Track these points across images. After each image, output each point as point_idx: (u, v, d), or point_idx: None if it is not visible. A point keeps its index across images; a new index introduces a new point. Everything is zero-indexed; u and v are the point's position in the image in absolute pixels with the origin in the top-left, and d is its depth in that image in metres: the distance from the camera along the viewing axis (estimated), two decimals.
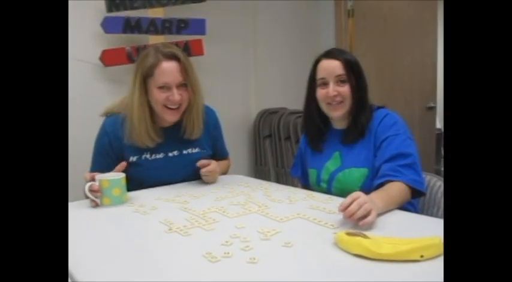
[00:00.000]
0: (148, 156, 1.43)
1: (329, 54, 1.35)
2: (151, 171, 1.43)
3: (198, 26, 2.28)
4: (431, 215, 1.34)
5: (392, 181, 1.17)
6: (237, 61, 2.72)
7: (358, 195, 0.98)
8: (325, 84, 1.33)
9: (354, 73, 1.32)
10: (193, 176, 1.48)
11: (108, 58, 2.14)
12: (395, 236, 0.83)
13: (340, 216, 1.05)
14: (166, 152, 1.46)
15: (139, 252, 0.87)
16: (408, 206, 1.25)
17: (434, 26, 3.36)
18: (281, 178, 2.63)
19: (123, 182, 1.24)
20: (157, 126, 1.42)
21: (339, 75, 1.31)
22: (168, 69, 1.32)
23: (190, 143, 1.49)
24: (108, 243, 0.92)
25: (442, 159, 4.18)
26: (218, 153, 1.60)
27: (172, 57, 1.34)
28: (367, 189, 1.22)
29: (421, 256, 0.76)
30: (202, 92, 1.45)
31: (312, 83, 1.38)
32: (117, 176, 1.24)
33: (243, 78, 2.77)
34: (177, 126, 1.45)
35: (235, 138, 2.76)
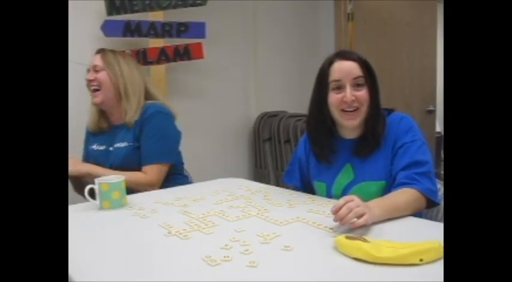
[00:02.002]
0: (94, 146, 1.63)
1: (343, 55, 1.22)
2: (93, 162, 1.58)
3: (198, 30, 2.28)
4: (431, 218, 1.34)
5: (407, 187, 1.11)
6: (236, 64, 2.73)
7: (352, 198, 0.95)
8: (340, 87, 1.19)
9: (371, 76, 1.20)
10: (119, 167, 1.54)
11: None
12: (394, 239, 0.83)
13: None
14: (107, 145, 1.60)
15: (138, 255, 0.87)
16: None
17: (433, 29, 3.37)
18: (281, 181, 2.63)
19: (123, 185, 1.23)
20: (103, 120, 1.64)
21: (357, 78, 1.18)
22: (94, 58, 1.61)
23: (121, 137, 1.58)
24: (107, 247, 0.92)
25: (442, 163, 4.18)
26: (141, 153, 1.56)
27: (99, 51, 1.62)
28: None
29: (421, 260, 0.76)
30: (126, 85, 1.57)
31: (322, 87, 1.24)
32: (116, 179, 1.23)
33: (242, 82, 2.78)
34: (119, 124, 1.60)
35: (235, 141, 2.76)
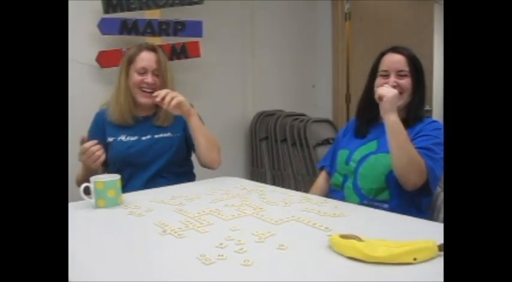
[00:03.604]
0: (123, 138, 1.58)
1: (395, 49, 1.42)
2: (124, 150, 1.57)
3: (195, 28, 2.28)
4: (427, 217, 1.34)
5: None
6: (234, 63, 2.73)
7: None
8: (386, 76, 1.40)
9: (416, 70, 1.39)
10: (165, 158, 1.59)
11: (105, 59, 2.14)
12: (389, 238, 0.83)
13: (335, 218, 1.06)
14: (140, 136, 1.59)
15: (133, 254, 0.86)
16: (419, 214, 1.28)
17: (430, 29, 3.37)
18: (277, 180, 2.64)
19: (118, 184, 1.23)
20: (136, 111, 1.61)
21: (401, 70, 1.38)
22: (147, 57, 1.56)
23: (163, 129, 1.61)
24: (102, 245, 0.92)
25: None
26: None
27: (152, 49, 1.59)
28: (394, 176, 1.30)
29: (414, 259, 0.76)
30: (175, 86, 1.60)
31: (373, 75, 1.46)
32: (112, 177, 1.23)
33: (240, 81, 2.78)
34: (152, 116, 1.62)
35: (232, 140, 2.76)
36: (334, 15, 3.03)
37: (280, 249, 0.86)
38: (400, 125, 1.27)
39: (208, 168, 1.60)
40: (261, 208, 1.15)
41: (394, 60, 1.39)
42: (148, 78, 1.55)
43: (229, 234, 0.94)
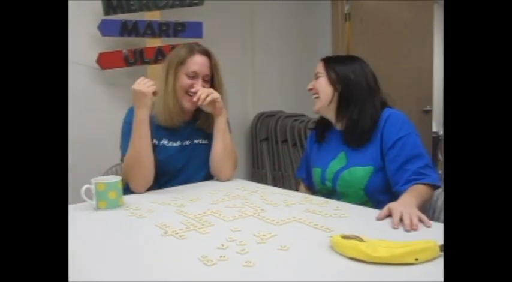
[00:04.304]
0: (166, 142, 1.50)
1: (323, 57, 1.45)
2: (166, 158, 1.48)
3: (195, 29, 2.28)
4: (427, 217, 1.34)
5: (419, 184, 1.22)
6: (234, 64, 2.73)
7: (394, 206, 1.03)
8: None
9: (334, 72, 1.38)
10: (203, 167, 1.55)
11: (105, 61, 2.14)
12: (390, 239, 0.83)
13: (336, 219, 1.06)
14: (182, 141, 1.53)
15: (134, 255, 0.86)
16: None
17: (430, 30, 3.38)
18: (278, 181, 2.63)
19: (119, 185, 1.23)
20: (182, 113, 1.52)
21: (316, 73, 1.42)
22: (200, 61, 1.48)
23: (202, 134, 1.57)
24: (104, 247, 0.92)
25: (439, 163, 4.19)
26: None
27: (205, 53, 1.50)
28: (373, 185, 1.31)
29: (416, 259, 0.76)
30: (226, 93, 1.56)
31: None
32: (113, 179, 1.23)
33: (240, 81, 2.78)
34: (194, 119, 1.56)
35: None
36: (334, 15, 3.03)
37: (281, 250, 0.86)
38: (417, 198, 1.16)
39: (217, 178, 1.56)
40: (262, 209, 1.15)
41: (318, 65, 1.43)
42: (198, 84, 1.47)
43: (230, 235, 0.94)
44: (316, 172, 1.46)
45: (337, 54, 1.49)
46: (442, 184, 1.25)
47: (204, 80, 1.49)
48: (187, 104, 1.48)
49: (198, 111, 1.54)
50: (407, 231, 0.94)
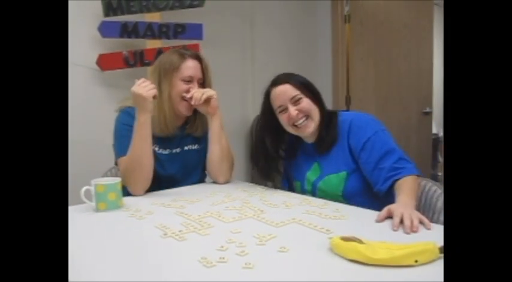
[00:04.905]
0: (156, 148, 1.49)
1: (277, 82, 1.39)
2: (155, 164, 1.44)
3: (195, 31, 2.28)
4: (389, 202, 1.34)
5: (399, 179, 1.23)
6: (234, 66, 2.73)
7: (394, 207, 1.03)
8: (284, 110, 1.37)
9: (307, 89, 1.37)
10: (193, 173, 1.56)
11: (105, 62, 2.14)
12: (390, 241, 0.83)
13: (335, 220, 1.06)
14: (171, 149, 1.52)
15: (134, 257, 0.86)
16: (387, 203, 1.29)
17: (430, 31, 3.39)
18: (278, 182, 2.63)
19: (119, 187, 1.23)
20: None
21: (293, 97, 1.35)
22: (193, 65, 1.49)
23: (191, 140, 1.56)
24: (103, 248, 0.92)
25: (439, 164, 4.19)
26: None
27: (196, 57, 1.51)
28: (350, 189, 1.33)
29: (416, 261, 0.76)
30: (216, 94, 1.52)
31: (268, 114, 1.43)
32: (112, 180, 1.23)
33: (240, 83, 2.78)
34: (184, 124, 1.55)
35: (232, 143, 2.74)
36: (333, 17, 3.04)
37: (281, 251, 0.86)
38: (414, 196, 1.17)
39: (215, 181, 1.57)
40: (261, 211, 1.15)
41: (282, 92, 1.36)
42: (195, 88, 1.48)
43: (230, 236, 0.94)
44: (296, 186, 1.49)
45: (291, 72, 1.42)
46: (419, 172, 1.28)
47: (198, 84, 1.50)
48: (183, 110, 1.49)
49: (189, 116, 1.54)
50: (407, 233, 0.94)
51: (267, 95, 1.42)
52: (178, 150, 1.54)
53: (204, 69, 1.52)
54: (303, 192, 1.44)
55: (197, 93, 1.44)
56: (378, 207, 1.10)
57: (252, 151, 1.54)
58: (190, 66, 1.48)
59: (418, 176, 1.27)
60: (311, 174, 1.43)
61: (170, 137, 1.50)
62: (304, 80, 1.40)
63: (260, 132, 1.49)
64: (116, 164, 1.50)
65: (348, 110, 1.43)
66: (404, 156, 1.29)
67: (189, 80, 1.47)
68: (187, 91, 1.47)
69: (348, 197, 1.34)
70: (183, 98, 1.47)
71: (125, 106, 1.50)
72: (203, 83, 1.52)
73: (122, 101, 1.55)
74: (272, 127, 1.44)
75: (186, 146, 1.56)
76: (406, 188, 1.19)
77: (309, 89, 1.38)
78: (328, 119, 1.39)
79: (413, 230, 0.95)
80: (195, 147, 1.57)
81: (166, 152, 1.52)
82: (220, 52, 2.59)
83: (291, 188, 1.54)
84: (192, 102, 1.45)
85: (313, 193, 1.41)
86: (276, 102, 1.39)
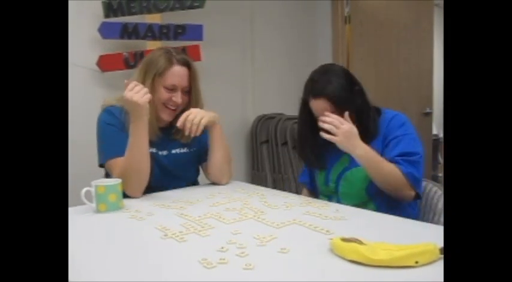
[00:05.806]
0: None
1: (316, 93, 1.33)
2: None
3: (195, 32, 2.28)
4: (427, 220, 1.34)
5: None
6: (234, 67, 2.73)
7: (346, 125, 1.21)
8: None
9: (342, 104, 1.30)
10: (182, 178, 1.53)
11: (105, 63, 2.14)
12: (390, 242, 0.83)
13: (336, 221, 1.06)
14: (157, 150, 1.47)
15: (134, 258, 0.86)
16: (409, 208, 1.31)
17: (430, 32, 3.38)
18: (278, 183, 2.63)
19: (119, 188, 1.23)
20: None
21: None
22: (179, 73, 1.41)
23: (179, 144, 1.51)
24: (104, 249, 0.92)
25: (439, 165, 4.19)
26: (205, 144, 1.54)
27: (185, 63, 1.43)
28: (374, 186, 1.31)
29: (416, 262, 0.76)
30: (202, 102, 1.51)
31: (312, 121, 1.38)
32: (113, 181, 1.23)
33: (240, 84, 2.78)
34: (171, 127, 1.49)
35: (232, 144, 2.75)
36: (334, 18, 3.04)
37: (281, 252, 0.86)
38: (367, 156, 1.25)
39: (216, 183, 1.55)
40: (262, 212, 1.15)
41: (319, 108, 1.32)
42: (178, 98, 1.41)
43: (230, 237, 0.94)
44: (320, 174, 1.47)
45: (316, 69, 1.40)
46: (419, 189, 1.29)
47: (182, 92, 1.43)
48: (164, 116, 1.44)
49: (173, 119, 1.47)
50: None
51: (305, 104, 1.39)
52: (165, 152, 1.49)
53: (191, 77, 1.44)
54: (326, 181, 1.43)
55: (193, 126, 1.36)
56: (399, 213, 1.11)
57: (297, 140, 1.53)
58: (175, 74, 1.40)
59: (411, 185, 1.26)
60: (339, 165, 1.41)
61: (156, 139, 1.44)
62: (340, 95, 1.31)
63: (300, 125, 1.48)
64: (102, 166, 1.44)
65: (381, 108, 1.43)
66: (417, 165, 1.27)
67: (172, 89, 1.41)
68: (169, 100, 1.41)
69: (370, 193, 1.34)
70: (165, 106, 1.42)
71: (108, 105, 1.46)
72: (189, 91, 1.46)
73: (108, 100, 1.50)
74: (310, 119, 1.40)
75: (174, 149, 1.51)
76: (377, 155, 1.25)
77: (344, 99, 1.31)
78: (367, 116, 1.35)
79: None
80: (184, 150, 1.53)
81: (153, 150, 1.44)
82: (220, 52, 2.59)
83: (312, 181, 1.54)
84: (186, 133, 1.38)
85: (337, 183, 1.40)
86: (314, 111, 1.36)
